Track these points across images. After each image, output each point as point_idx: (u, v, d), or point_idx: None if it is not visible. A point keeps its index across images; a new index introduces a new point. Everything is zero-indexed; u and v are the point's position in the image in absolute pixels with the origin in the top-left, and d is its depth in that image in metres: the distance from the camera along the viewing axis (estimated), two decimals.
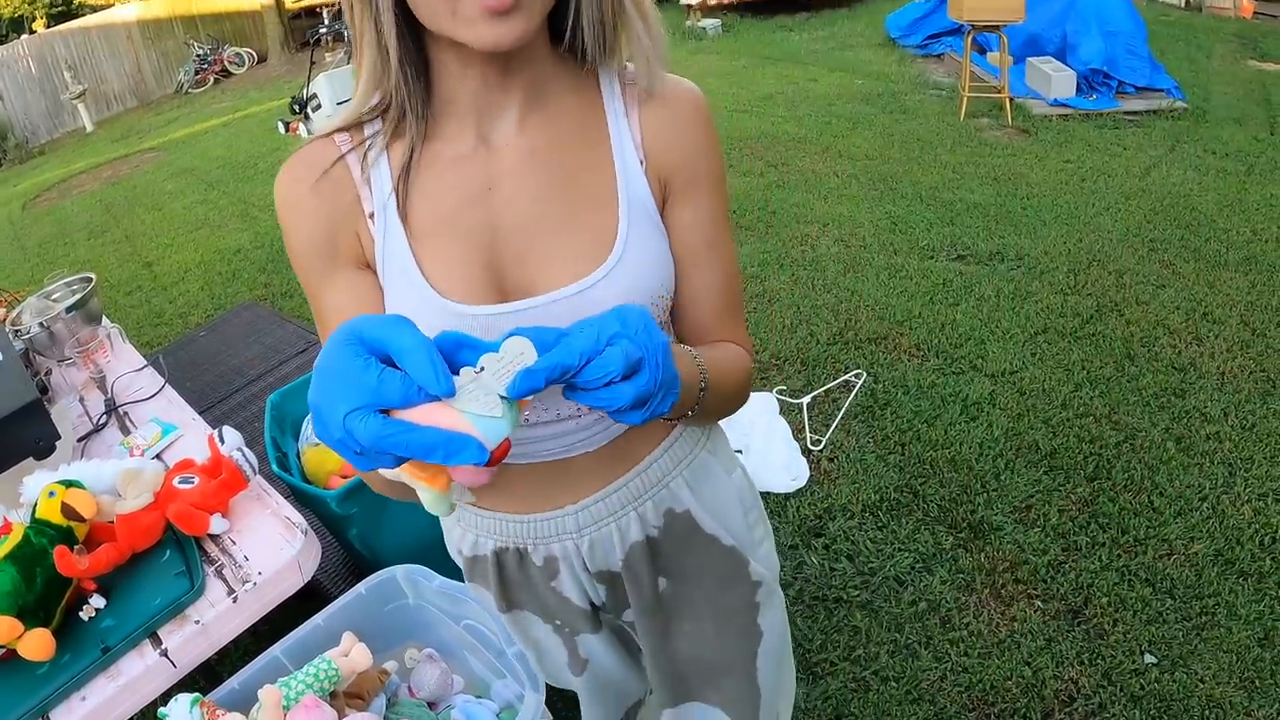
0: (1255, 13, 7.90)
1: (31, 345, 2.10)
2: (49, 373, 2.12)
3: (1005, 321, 3.17)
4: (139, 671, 1.16)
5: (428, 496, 0.56)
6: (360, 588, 1.45)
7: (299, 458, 2.01)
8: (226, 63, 14.64)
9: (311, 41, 10.38)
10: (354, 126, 0.75)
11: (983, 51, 6.48)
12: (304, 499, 1.86)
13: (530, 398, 0.54)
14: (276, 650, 1.36)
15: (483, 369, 0.52)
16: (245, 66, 14.73)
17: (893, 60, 7.35)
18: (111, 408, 1.87)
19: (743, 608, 0.98)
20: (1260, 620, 1.91)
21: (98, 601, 1.25)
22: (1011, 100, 5.53)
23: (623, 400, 0.55)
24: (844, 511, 2.34)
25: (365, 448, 0.49)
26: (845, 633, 2.00)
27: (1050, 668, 1.86)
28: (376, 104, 0.73)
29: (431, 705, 1.39)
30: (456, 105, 0.73)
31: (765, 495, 2.40)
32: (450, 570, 1.25)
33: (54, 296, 2.31)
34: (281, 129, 8.59)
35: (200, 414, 1.83)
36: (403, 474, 0.54)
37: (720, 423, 0.97)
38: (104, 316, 2.26)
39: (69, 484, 1.33)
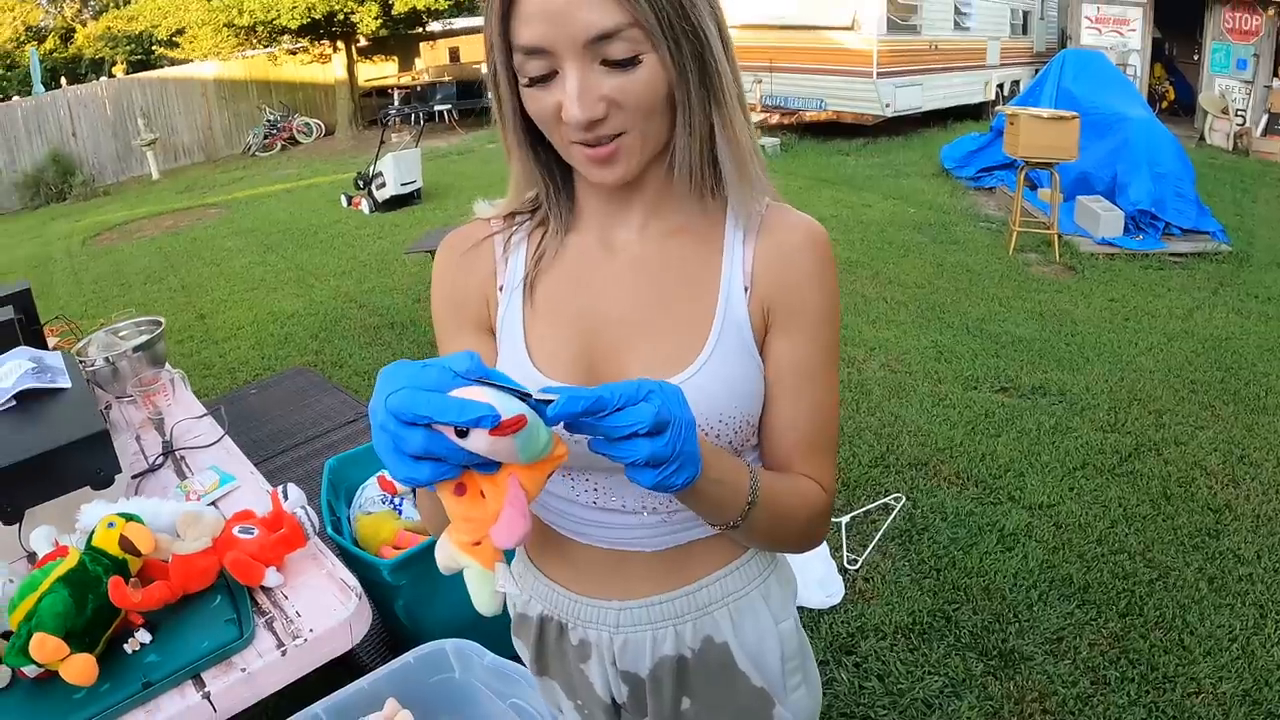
0: None
1: (94, 378, 2.14)
2: (108, 407, 2.17)
3: (1045, 455, 3.27)
4: (177, 709, 1.16)
5: (475, 582, 0.62)
6: (409, 656, 1.48)
7: (351, 524, 2.07)
8: (295, 131, 15.16)
9: (382, 122, 10.88)
10: (507, 215, 0.90)
11: (1034, 187, 6.60)
12: (355, 564, 1.86)
13: (566, 441, 0.61)
14: (318, 708, 1.39)
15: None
16: (313, 137, 15.26)
17: (946, 191, 7.60)
18: (169, 450, 1.91)
19: None
20: None
21: (143, 636, 1.25)
22: (1060, 237, 5.67)
23: (638, 454, 0.60)
24: (876, 631, 2.42)
25: (396, 412, 0.55)
26: None
27: None
28: (531, 198, 0.87)
29: None
30: (588, 209, 0.86)
31: (800, 610, 2.49)
32: (499, 646, 1.31)
33: (121, 334, 2.41)
34: (345, 202, 8.95)
35: None
36: (449, 546, 0.62)
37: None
38: (167, 362, 2.34)
39: (129, 517, 1.34)
